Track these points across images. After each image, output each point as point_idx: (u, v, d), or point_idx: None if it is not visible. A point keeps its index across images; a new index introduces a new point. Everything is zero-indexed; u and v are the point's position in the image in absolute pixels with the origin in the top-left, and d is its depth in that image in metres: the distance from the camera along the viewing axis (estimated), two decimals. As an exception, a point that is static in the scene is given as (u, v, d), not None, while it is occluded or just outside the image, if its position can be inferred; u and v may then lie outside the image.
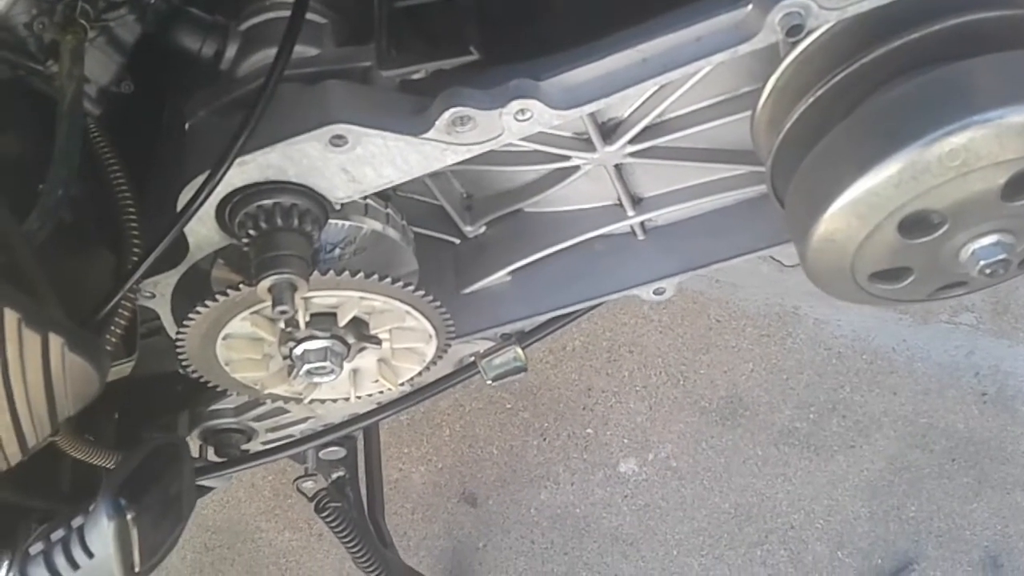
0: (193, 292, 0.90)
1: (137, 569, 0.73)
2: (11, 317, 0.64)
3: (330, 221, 0.87)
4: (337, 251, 0.91)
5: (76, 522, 0.75)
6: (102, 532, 0.74)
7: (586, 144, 0.92)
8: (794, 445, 1.54)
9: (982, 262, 0.78)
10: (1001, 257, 0.77)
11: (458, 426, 1.73)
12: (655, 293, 1.04)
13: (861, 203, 0.74)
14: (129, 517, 0.72)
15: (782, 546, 1.49)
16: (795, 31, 0.72)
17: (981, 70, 0.72)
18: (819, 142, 0.76)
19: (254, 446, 1.20)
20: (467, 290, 1.06)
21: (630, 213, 1.01)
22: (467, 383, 1.72)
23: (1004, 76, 0.71)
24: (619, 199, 1.00)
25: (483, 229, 1.05)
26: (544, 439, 1.67)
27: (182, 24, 0.85)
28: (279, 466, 1.80)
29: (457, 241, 1.07)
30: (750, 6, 0.73)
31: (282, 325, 0.91)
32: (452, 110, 0.77)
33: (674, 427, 1.60)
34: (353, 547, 1.30)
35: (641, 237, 1.05)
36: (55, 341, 0.67)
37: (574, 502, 1.62)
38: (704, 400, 1.60)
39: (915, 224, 0.76)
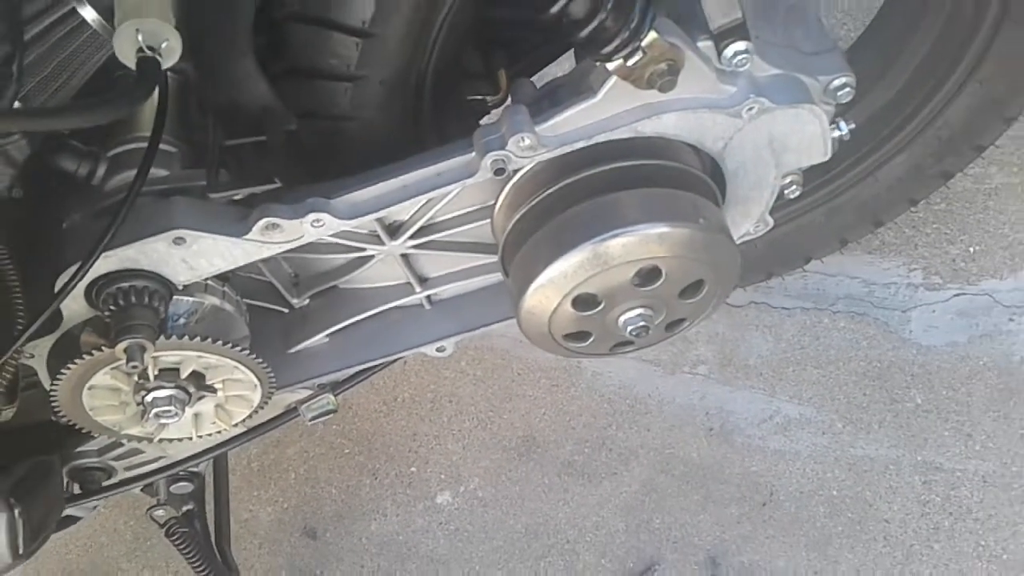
0: (64, 353, 1.03)
1: (21, 551, 0.93)
2: None
3: (177, 297, 1.01)
4: (183, 320, 1.05)
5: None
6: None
7: (377, 239, 1.08)
8: (572, 474, 1.69)
9: (630, 328, 1.04)
10: (642, 324, 1.04)
11: (302, 470, 1.86)
12: (438, 350, 1.22)
13: (546, 288, 0.99)
14: (16, 512, 0.92)
15: (560, 558, 1.65)
16: (500, 171, 0.99)
17: (621, 201, 0.99)
18: (524, 245, 1.03)
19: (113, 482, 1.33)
20: (293, 350, 1.22)
21: (417, 290, 1.18)
22: (311, 432, 1.93)
23: (634, 205, 0.99)
24: (408, 279, 1.17)
25: (307, 301, 1.20)
26: (375, 478, 1.80)
27: (63, 150, 0.98)
28: (141, 512, 1.84)
29: (286, 311, 1.21)
30: (472, 154, 1.00)
31: (136, 378, 1.04)
32: (264, 219, 0.96)
33: (482, 463, 1.75)
34: (199, 568, 1.45)
35: (428, 308, 1.22)
36: None
37: (398, 531, 1.74)
38: (506, 440, 1.75)
39: (584, 302, 1.01)
